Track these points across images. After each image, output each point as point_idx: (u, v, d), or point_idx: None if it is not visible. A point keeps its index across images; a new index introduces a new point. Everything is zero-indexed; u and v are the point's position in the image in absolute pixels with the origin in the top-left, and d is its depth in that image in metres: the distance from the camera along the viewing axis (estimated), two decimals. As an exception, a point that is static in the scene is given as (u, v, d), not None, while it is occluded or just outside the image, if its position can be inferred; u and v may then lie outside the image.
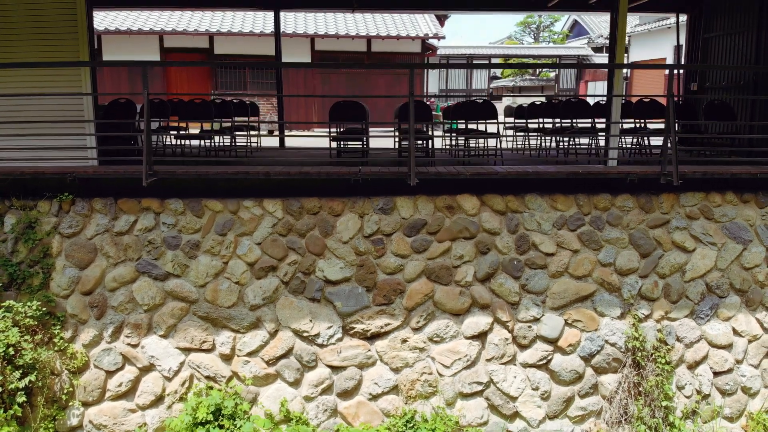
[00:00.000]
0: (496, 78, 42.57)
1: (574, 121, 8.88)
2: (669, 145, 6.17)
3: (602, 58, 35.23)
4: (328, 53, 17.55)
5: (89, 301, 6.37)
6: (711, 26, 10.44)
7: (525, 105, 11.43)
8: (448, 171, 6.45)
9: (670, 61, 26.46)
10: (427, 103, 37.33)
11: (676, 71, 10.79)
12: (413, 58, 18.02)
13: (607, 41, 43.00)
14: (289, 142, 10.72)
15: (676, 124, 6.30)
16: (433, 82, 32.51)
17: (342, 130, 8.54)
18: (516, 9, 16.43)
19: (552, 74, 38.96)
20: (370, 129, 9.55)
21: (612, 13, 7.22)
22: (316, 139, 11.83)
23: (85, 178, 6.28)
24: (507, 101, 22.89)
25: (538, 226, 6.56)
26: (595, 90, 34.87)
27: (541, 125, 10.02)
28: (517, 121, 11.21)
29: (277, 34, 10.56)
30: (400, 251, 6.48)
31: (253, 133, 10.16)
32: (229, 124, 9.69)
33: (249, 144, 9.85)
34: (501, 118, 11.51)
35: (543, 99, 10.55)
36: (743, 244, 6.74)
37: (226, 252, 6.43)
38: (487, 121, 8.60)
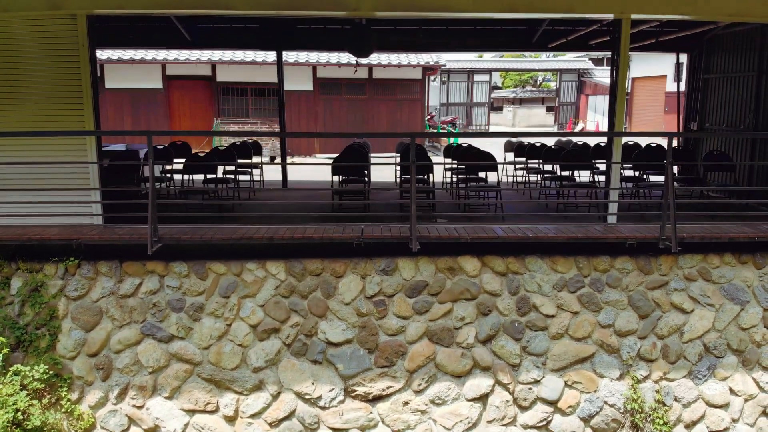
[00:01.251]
0: (496, 88, 42.72)
1: (575, 163, 8.93)
2: (668, 206, 6.25)
3: (602, 71, 35.24)
4: (329, 80, 17.65)
5: (95, 363, 6.45)
6: (711, 67, 10.51)
7: (525, 144, 11.57)
8: (449, 234, 6.53)
9: (670, 78, 26.57)
10: (427, 117, 37.43)
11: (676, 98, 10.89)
12: (414, 85, 18.11)
13: (609, 53, 43.05)
14: (291, 170, 10.79)
15: (676, 168, 6.35)
16: (434, 96, 32.57)
17: (344, 177, 8.61)
18: (518, 49, 16.55)
19: (553, 85, 39.09)
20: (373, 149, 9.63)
21: (613, 54, 7.17)
22: (318, 164, 11.93)
23: (90, 244, 6.36)
24: (506, 126, 22.94)
25: (538, 288, 6.64)
26: (596, 104, 35.00)
27: (540, 166, 10.13)
28: (517, 160, 11.37)
29: (280, 71, 10.63)
30: (401, 312, 6.56)
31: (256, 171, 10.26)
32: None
33: (252, 185, 9.94)
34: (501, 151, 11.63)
35: (544, 142, 10.59)
36: (740, 305, 6.81)
37: (230, 314, 6.51)
38: (489, 159, 8.67)
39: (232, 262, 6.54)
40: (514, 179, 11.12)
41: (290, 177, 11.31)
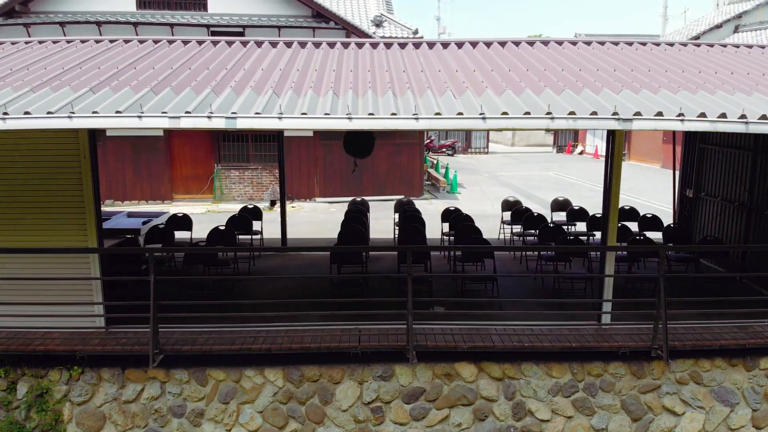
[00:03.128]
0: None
1: (571, 248, 9.06)
2: (660, 316, 6.38)
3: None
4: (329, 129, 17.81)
5: (98, 469, 6.57)
6: (707, 137, 10.61)
7: (522, 208, 11.71)
8: (446, 343, 6.64)
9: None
10: (427, 140, 37.51)
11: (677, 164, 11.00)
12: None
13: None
14: (291, 213, 10.91)
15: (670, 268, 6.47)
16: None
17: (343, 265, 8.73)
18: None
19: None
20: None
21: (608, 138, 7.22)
22: (319, 205, 12.06)
23: (93, 355, 6.49)
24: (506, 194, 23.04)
25: (534, 393, 6.76)
26: (594, 136, 35.13)
27: (536, 235, 10.26)
28: (514, 225, 11.52)
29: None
30: (399, 419, 6.68)
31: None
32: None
33: (252, 247, 10.06)
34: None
35: (542, 218, 10.73)
36: (730, 406, 6.93)
37: (229, 420, 6.64)
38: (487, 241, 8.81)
39: (231, 369, 6.67)
40: (512, 243, 11.29)
41: (291, 221, 11.44)
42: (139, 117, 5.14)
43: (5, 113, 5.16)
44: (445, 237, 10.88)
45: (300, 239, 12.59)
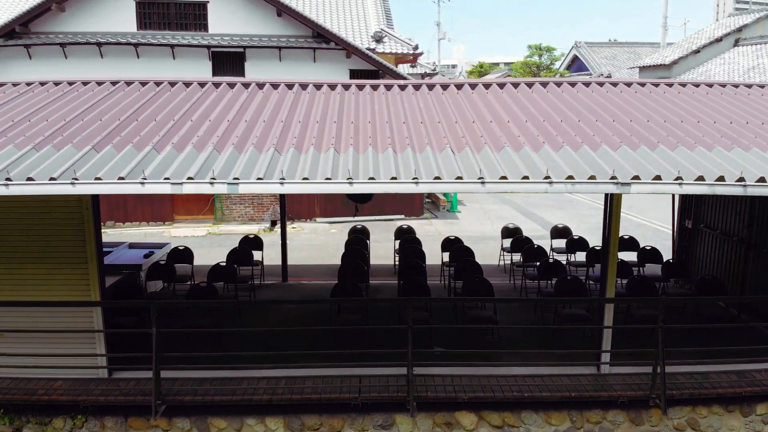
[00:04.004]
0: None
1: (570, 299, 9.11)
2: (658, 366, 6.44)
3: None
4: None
5: None
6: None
7: (522, 237, 11.76)
8: (446, 394, 6.70)
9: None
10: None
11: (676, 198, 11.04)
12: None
13: (608, 80, 43.21)
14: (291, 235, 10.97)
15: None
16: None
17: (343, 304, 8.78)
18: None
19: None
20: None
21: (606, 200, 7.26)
22: (320, 229, 12.11)
23: (96, 405, 6.55)
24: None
25: (532, 441, 6.81)
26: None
27: (535, 269, 10.32)
28: (514, 254, 11.59)
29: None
30: (399, 467, 6.73)
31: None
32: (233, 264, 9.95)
33: (253, 275, 10.12)
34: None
35: (542, 252, 10.79)
36: (729, 453, 6.98)
37: (232, 469, 6.69)
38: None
39: (233, 418, 6.72)
40: (511, 270, 11.36)
41: (291, 245, 11.44)
42: (142, 183, 5.20)
43: (8, 179, 5.21)
44: (445, 267, 10.94)
45: (300, 266, 12.65)
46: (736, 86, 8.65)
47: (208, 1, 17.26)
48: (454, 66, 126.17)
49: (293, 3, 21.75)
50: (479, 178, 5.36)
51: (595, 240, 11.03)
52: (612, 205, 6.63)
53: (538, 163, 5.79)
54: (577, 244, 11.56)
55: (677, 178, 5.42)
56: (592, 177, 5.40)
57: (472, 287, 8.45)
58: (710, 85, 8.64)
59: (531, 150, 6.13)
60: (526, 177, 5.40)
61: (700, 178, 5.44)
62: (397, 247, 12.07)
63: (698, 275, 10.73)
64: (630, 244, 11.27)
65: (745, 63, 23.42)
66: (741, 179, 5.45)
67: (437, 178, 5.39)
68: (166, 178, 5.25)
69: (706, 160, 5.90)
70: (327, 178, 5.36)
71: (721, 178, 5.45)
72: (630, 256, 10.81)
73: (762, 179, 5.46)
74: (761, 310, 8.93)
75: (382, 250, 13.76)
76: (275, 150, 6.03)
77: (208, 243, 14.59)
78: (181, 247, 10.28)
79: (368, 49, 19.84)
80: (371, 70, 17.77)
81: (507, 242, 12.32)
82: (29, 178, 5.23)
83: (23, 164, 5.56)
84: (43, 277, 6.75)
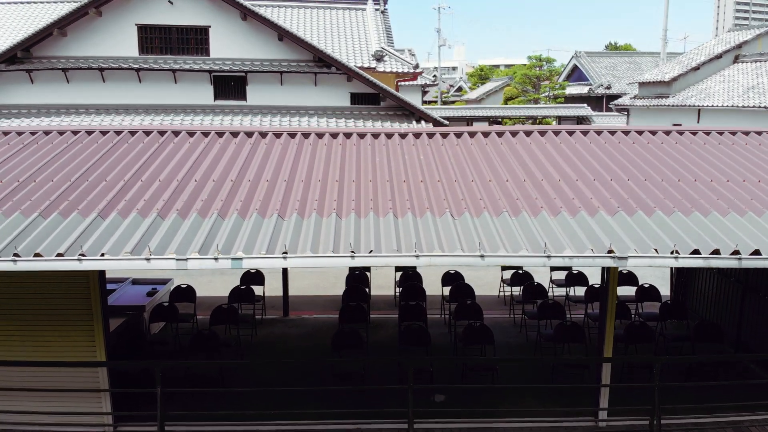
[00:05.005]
0: (496, 122, 42.97)
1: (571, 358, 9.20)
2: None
3: (601, 118, 35.52)
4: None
5: None
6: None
7: (522, 272, 11.87)
8: (445, 449, 6.80)
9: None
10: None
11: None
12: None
13: (608, 90, 43.28)
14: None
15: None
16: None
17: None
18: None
19: (554, 122, 39.31)
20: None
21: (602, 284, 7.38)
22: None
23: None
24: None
25: (530, 496, 6.90)
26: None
27: (535, 306, 10.42)
28: (514, 288, 11.69)
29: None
30: None
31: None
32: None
33: (255, 329, 10.23)
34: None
35: (542, 290, 10.87)
36: (726, 507, 7.07)
37: None
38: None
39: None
40: (511, 305, 11.47)
41: (293, 272, 11.47)
42: (147, 260, 5.29)
43: (16, 254, 5.30)
44: (445, 302, 11.04)
45: (302, 298, 12.75)
46: (734, 133, 8.74)
47: (209, 26, 17.35)
48: (454, 68, 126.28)
49: (295, 25, 21.89)
50: (479, 253, 5.44)
51: (594, 274, 11.13)
52: (609, 276, 6.73)
53: (536, 231, 5.87)
54: (576, 278, 11.66)
55: (673, 252, 5.51)
56: (591, 250, 5.49)
57: (473, 335, 8.54)
58: (707, 132, 8.73)
59: (529, 214, 6.22)
60: (524, 250, 5.49)
61: (696, 251, 5.53)
62: (397, 278, 12.17)
63: (695, 310, 10.85)
64: (629, 278, 11.38)
65: (745, 82, 23.51)
66: (736, 252, 5.54)
67: (438, 252, 5.48)
68: (171, 254, 5.34)
69: (701, 228, 5.98)
70: (329, 253, 5.45)
71: (716, 251, 5.54)
72: (629, 289, 11.00)
73: (757, 252, 5.55)
74: (757, 351, 9.02)
75: (383, 280, 13.83)
76: (278, 216, 6.12)
77: (210, 272, 14.63)
78: (183, 286, 10.37)
79: (368, 68, 19.96)
80: (372, 93, 17.86)
81: (507, 274, 12.43)
82: (37, 254, 5.32)
83: (31, 235, 5.64)
84: (50, 335, 6.84)
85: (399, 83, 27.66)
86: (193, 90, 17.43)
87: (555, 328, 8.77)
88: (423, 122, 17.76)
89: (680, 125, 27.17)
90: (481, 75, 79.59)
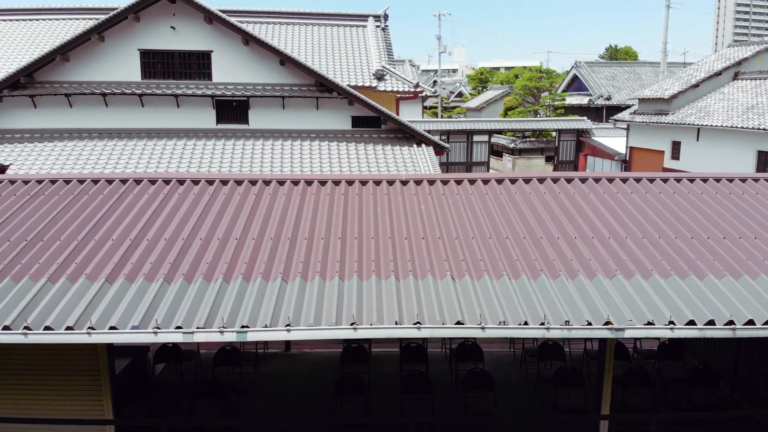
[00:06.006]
0: (498, 132, 43.06)
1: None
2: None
3: (601, 130, 35.60)
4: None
5: None
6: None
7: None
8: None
9: (668, 154, 27.01)
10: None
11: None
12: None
13: (608, 101, 43.35)
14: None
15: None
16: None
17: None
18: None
19: (554, 134, 39.42)
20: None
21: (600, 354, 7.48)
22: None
23: None
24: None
25: None
26: (594, 165, 35.37)
27: (535, 344, 10.55)
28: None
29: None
30: None
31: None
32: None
33: (257, 363, 10.35)
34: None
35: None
36: None
37: None
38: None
39: None
40: (512, 341, 11.59)
41: None
42: (155, 333, 5.41)
43: (27, 327, 5.42)
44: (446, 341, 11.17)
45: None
46: (731, 180, 8.84)
47: (212, 51, 17.47)
48: (454, 70, 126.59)
49: (296, 44, 22.02)
50: (479, 324, 5.56)
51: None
52: (606, 347, 6.85)
53: (535, 298, 5.99)
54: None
55: (669, 322, 5.63)
56: (589, 323, 5.60)
57: (474, 379, 8.66)
58: (705, 180, 8.84)
59: (529, 277, 6.34)
60: (525, 323, 5.60)
61: (691, 322, 5.64)
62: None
63: (692, 347, 10.96)
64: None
65: (745, 101, 23.61)
66: (731, 322, 5.65)
67: (439, 323, 5.60)
68: (177, 327, 5.46)
69: (697, 295, 6.09)
70: (331, 325, 5.57)
71: (711, 322, 5.65)
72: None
73: (751, 321, 5.67)
74: (754, 389, 9.13)
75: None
76: (282, 279, 6.24)
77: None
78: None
79: (369, 87, 20.10)
80: (373, 116, 17.98)
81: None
82: (47, 327, 5.43)
83: (40, 304, 5.76)
84: (57, 390, 6.96)
85: (400, 98, 27.81)
86: (196, 114, 17.57)
87: (555, 371, 8.89)
88: (423, 145, 17.89)
89: (679, 143, 26.89)
90: (481, 78, 79.80)
